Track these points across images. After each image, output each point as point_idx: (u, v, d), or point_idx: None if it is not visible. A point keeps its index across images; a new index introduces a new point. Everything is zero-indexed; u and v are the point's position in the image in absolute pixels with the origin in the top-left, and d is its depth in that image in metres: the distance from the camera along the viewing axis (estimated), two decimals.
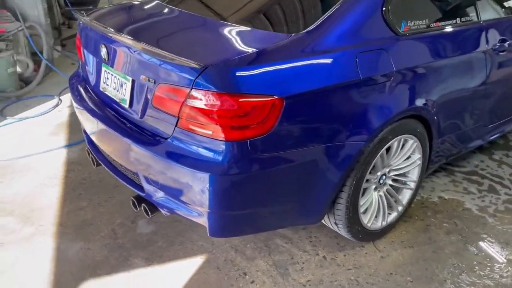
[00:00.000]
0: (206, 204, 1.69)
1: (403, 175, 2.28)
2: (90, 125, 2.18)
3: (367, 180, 2.02)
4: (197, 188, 1.67)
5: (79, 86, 2.37)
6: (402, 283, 1.98)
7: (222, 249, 2.19)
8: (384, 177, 2.16)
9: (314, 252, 2.18)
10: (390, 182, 2.23)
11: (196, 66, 1.54)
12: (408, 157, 2.22)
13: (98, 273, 2.04)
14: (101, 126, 2.02)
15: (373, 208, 2.15)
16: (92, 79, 2.23)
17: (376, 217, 2.20)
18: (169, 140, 1.72)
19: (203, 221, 1.79)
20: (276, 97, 1.58)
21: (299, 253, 2.17)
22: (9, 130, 3.59)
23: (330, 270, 2.06)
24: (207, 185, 1.63)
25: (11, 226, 2.38)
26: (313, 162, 1.77)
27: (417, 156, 2.23)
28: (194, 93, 1.58)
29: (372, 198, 2.13)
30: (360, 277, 2.01)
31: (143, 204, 1.96)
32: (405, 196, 2.33)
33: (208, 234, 1.80)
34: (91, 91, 2.26)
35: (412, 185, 2.31)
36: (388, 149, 2.04)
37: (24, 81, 4.42)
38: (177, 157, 1.69)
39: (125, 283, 1.99)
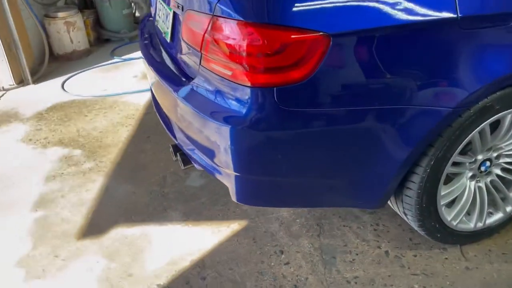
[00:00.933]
0: (227, 163, 1.39)
1: None
2: (146, 63, 2.03)
3: (456, 164, 1.49)
4: (218, 142, 1.37)
5: (146, 23, 2.23)
6: None
7: (266, 219, 1.88)
8: (488, 163, 1.56)
9: (376, 244, 1.73)
10: (498, 172, 1.62)
11: None
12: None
13: (132, 220, 1.93)
14: (148, 63, 1.84)
15: (464, 201, 1.57)
16: (152, 12, 2.05)
17: (469, 214, 1.65)
18: (193, 81, 1.44)
19: (228, 182, 1.50)
20: (320, 32, 1.17)
21: (357, 241, 1.75)
22: (112, 68, 3.77)
23: (388, 270, 1.61)
24: (228, 140, 1.32)
25: (76, 158, 2.43)
26: (368, 129, 1.30)
27: None
28: (216, 21, 1.26)
29: (464, 189, 1.56)
30: None
31: (178, 153, 1.76)
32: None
33: (232, 199, 1.52)
34: (150, 27, 2.10)
35: None
36: (496, 125, 1.47)
37: (138, 23, 4.58)
38: (198, 102, 1.41)
39: (152, 235, 1.84)
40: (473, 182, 1.59)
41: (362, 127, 1.31)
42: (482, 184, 1.61)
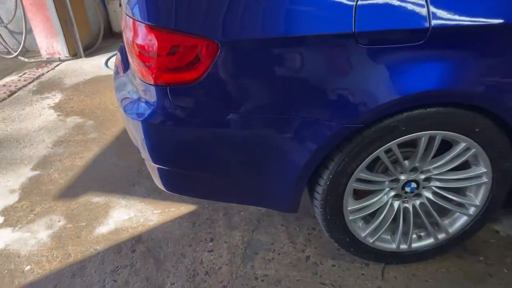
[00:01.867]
0: (145, 155, 1.52)
1: (457, 191, 1.54)
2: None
3: (367, 181, 1.45)
4: (137, 137, 1.51)
5: None
6: None
7: (214, 207, 1.97)
8: (414, 184, 1.49)
9: (301, 248, 1.74)
10: (430, 196, 1.53)
11: None
12: (467, 168, 1.47)
13: (103, 189, 2.16)
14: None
15: (383, 220, 1.51)
16: None
17: (393, 234, 1.59)
18: (121, 78, 1.59)
19: (151, 172, 1.63)
20: (209, 39, 1.22)
21: (285, 241, 1.77)
22: None
23: (299, 275, 1.62)
24: (141, 134, 1.45)
25: (86, 128, 2.73)
26: (259, 135, 1.32)
27: (480, 170, 1.44)
28: (134, 23, 1.36)
29: (383, 206, 1.50)
30: None
31: None
32: (456, 222, 1.58)
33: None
34: None
35: (471, 210, 1.53)
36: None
37: None
38: (124, 98, 1.55)
39: (112, 205, 2.03)
40: (397, 202, 1.53)
41: (252, 132, 1.33)
42: (409, 205, 1.53)
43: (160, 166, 1.52)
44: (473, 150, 1.37)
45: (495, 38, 1.20)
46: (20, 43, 4.16)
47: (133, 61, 1.40)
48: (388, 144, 1.33)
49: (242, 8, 1.20)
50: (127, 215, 1.99)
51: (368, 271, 1.62)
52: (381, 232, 1.55)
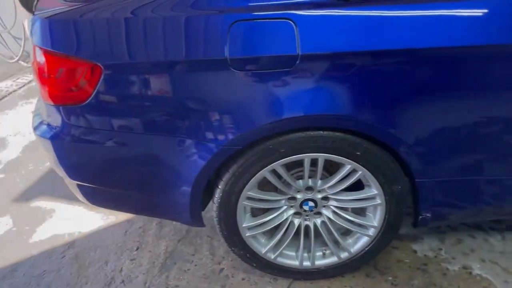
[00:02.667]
0: (57, 170, 1.61)
1: (358, 212, 1.54)
2: None
3: (260, 200, 1.47)
4: (46, 151, 1.60)
5: None
6: None
7: (148, 218, 2.06)
8: (311, 203, 1.51)
9: (219, 260, 1.77)
10: (330, 215, 1.53)
11: (31, 14, 1.41)
12: (362, 189, 1.47)
13: (53, 194, 2.26)
14: None
15: (282, 237, 1.54)
16: None
17: (297, 251, 1.60)
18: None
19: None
20: (92, 62, 1.29)
21: (206, 253, 1.81)
22: None
23: (208, 286, 1.67)
24: (48, 150, 1.53)
25: None
26: (152, 154, 1.37)
27: (373, 192, 1.43)
28: (33, 47, 1.46)
29: (282, 224, 1.53)
30: None
31: None
32: (356, 241, 1.57)
33: None
34: None
35: (371, 231, 1.53)
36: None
37: None
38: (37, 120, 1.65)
39: (58, 211, 2.13)
40: (298, 219, 1.55)
41: (142, 150, 1.39)
42: (310, 223, 1.55)
43: (77, 182, 1.61)
44: (360, 172, 1.38)
45: (366, 65, 1.21)
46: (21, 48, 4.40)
47: (37, 83, 1.49)
48: (271, 165, 1.36)
49: (121, 35, 1.26)
50: (68, 221, 2.08)
51: (275, 286, 1.64)
52: (281, 248, 1.57)
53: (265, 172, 1.37)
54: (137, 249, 1.88)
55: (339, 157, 1.34)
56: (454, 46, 1.16)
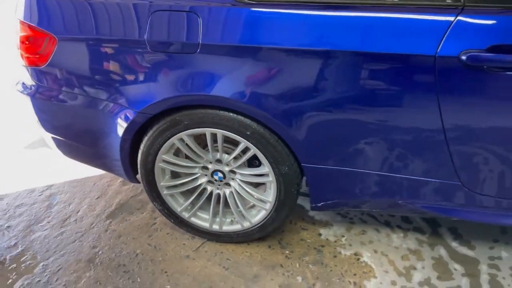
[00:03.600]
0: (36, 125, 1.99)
1: (258, 186, 1.75)
2: None
3: (175, 164, 1.73)
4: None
5: None
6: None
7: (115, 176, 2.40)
8: (220, 174, 1.75)
9: (156, 217, 2.06)
10: (236, 187, 1.77)
11: None
12: (258, 166, 1.69)
13: None
14: None
15: (194, 200, 1.81)
16: None
17: (209, 215, 1.85)
18: None
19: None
20: (50, 34, 1.64)
21: (148, 210, 2.11)
22: None
23: (137, 235, 1.96)
24: (27, 105, 1.91)
25: None
26: (92, 112, 1.69)
27: (265, 170, 1.64)
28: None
29: (196, 188, 1.80)
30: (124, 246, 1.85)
31: None
32: (257, 213, 1.79)
33: None
34: None
35: (267, 206, 1.73)
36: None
37: None
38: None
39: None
40: (211, 187, 1.80)
41: (85, 109, 1.71)
42: (221, 192, 1.80)
43: (51, 135, 1.98)
44: (251, 150, 1.61)
45: (253, 58, 1.43)
46: None
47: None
48: (178, 134, 1.63)
49: (71, 15, 1.60)
50: (57, 169, 2.51)
51: (189, 243, 1.91)
52: (195, 210, 1.84)
53: (174, 140, 1.65)
54: (97, 198, 2.24)
55: (234, 134, 1.58)
56: (319, 49, 1.37)
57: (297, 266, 1.76)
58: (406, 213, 1.75)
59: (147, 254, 1.86)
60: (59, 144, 1.99)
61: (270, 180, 1.67)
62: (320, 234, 1.91)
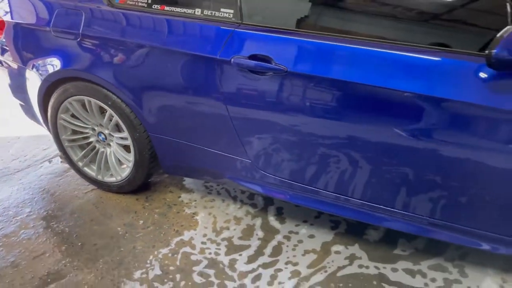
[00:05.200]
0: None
1: (126, 148, 2.28)
2: None
3: (72, 123, 2.30)
4: None
5: None
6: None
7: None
8: (103, 136, 2.29)
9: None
10: (114, 146, 2.29)
11: None
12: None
13: None
14: None
15: (85, 153, 2.38)
16: None
17: (96, 167, 2.40)
18: None
19: None
20: (2, 19, 2.31)
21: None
22: None
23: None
24: None
25: None
26: (20, 76, 2.34)
27: (124, 134, 2.16)
28: None
29: (88, 144, 2.36)
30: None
31: None
32: (125, 170, 2.30)
33: None
34: None
35: (131, 164, 2.23)
36: None
37: None
38: None
39: None
40: (98, 145, 2.35)
41: (20, 73, 2.35)
42: (105, 150, 2.34)
43: (18, 101, 2.65)
44: (115, 117, 2.13)
45: (116, 46, 1.96)
46: None
47: None
48: (69, 99, 2.20)
49: (18, 4, 2.26)
50: (25, 125, 3.20)
51: (84, 187, 2.47)
52: (86, 161, 2.41)
53: (66, 103, 2.23)
54: (44, 149, 2.88)
55: (102, 103, 2.13)
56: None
57: (146, 214, 2.24)
58: (233, 186, 2.20)
59: (52, 190, 2.47)
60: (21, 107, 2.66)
61: (129, 143, 2.19)
62: (179, 197, 2.37)
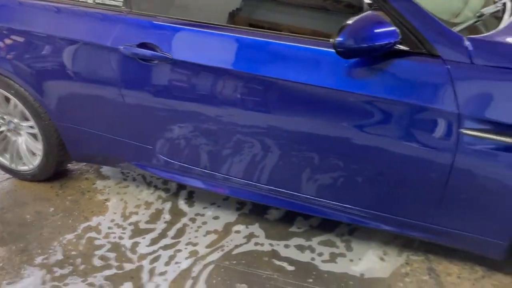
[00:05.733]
0: None
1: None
2: None
3: None
4: None
5: None
6: None
7: None
8: (13, 125, 2.29)
9: None
10: (26, 136, 2.30)
11: None
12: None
13: None
14: None
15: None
16: None
17: (9, 156, 2.38)
18: None
19: None
20: None
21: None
22: None
23: None
24: None
25: None
26: None
27: (31, 123, 2.18)
28: None
29: (3, 135, 2.36)
30: None
31: None
32: (36, 159, 2.30)
33: None
34: None
35: (40, 152, 2.25)
36: None
37: None
38: None
39: None
40: (10, 134, 2.35)
41: None
42: (16, 139, 2.34)
43: None
44: (19, 105, 2.13)
45: (25, 37, 1.97)
46: None
47: None
48: None
49: None
50: None
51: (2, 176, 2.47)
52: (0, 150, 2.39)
53: None
54: None
55: (6, 92, 2.13)
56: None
57: (58, 201, 2.27)
58: (138, 171, 2.27)
59: None
60: None
61: (37, 131, 2.20)
62: (94, 184, 2.41)
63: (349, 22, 1.33)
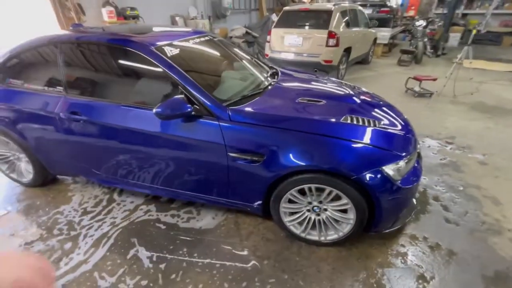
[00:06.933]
0: None
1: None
2: None
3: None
4: None
5: None
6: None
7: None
8: (15, 155, 3.66)
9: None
10: (24, 162, 3.67)
11: None
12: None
13: None
14: None
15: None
16: None
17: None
18: None
19: None
20: None
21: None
22: None
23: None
24: None
25: None
26: None
27: (23, 155, 3.40)
28: None
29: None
30: None
31: None
32: (30, 174, 3.62)
33: None
34: None
35: (31, 170, 3.45)
36: None
37: None
38: None
39: None
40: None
41: None
42: (18, 163, 3.70)
43: None
44: (15, 146, 3.34)
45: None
46: None
47: None
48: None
49: None
50: None
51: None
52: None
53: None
54: None
55: (7, 139, 3.35)
56: None
57: (43, 198, 3.11)
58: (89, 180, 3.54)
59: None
60: None
61: (28, 159, 3.54)
62: (68, 186, 3.28)
63: (164, 101, 2.21)
